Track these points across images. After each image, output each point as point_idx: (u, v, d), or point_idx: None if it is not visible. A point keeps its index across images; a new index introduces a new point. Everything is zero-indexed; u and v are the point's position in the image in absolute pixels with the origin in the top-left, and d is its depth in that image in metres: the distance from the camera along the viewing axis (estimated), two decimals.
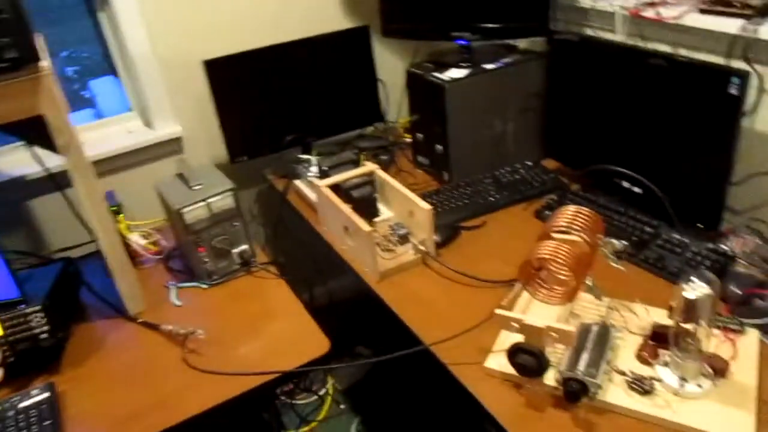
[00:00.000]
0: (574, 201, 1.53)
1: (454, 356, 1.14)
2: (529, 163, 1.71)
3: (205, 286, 1.45)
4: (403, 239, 1.43)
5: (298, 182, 1.77)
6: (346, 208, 1.40)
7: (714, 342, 1.07)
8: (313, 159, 1.68)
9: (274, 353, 1.23)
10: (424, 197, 1.61)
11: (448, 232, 1.49)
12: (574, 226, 1.08)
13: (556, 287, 1.06)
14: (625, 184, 1.49)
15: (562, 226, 1.09)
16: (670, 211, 1.23)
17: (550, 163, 1.74)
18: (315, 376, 2.16)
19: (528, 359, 0.99)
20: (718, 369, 1.01)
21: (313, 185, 1.54)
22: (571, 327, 0.97)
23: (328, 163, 1.57)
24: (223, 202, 1.39)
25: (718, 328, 1.10)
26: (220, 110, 1.71)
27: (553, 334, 0.98)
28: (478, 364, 1.11)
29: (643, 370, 1.04)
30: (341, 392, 2.09)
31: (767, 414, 0.96)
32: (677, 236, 1.34)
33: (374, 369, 2.10)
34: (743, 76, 1.18)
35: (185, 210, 1.36)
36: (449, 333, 1.17)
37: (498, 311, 1.02)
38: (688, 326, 0.95)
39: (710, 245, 1.30)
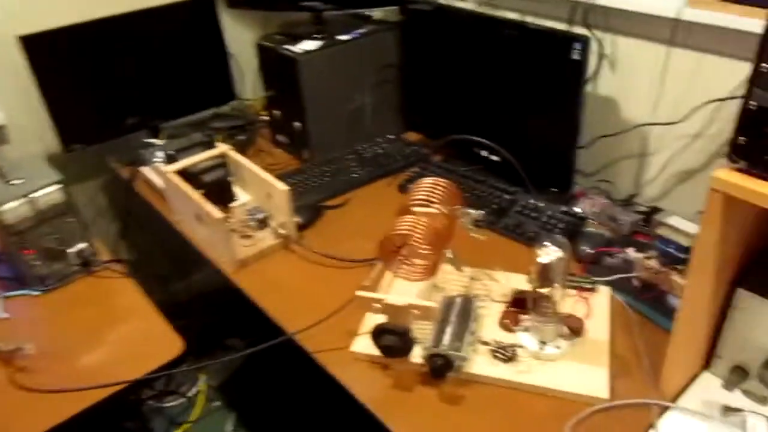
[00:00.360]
0: (435, 173, 1.52)
1: (319, 343, 1.08)
2: (391, 137, 1.68)
3: (36, 293, 1.27)
4: (262, 224, 1.35)
5: (145, 169, 1.61)
6: (196, 195, 1.28)
7: (570, 302, 1.10)
8: (159, 143, 1.53)
9: (121, 361, 1.11)
10: (283, 178, 1.53)
11: (310, 212, 1.42)
12: (432, 199, 1.06)
13: (417, 263, 1.03)
14: (484, 153, 1.50)
15: (421, 200, 1.06)
16: (523, 176, 1.25)
17: (411, 136, 1.72)
18: (185, 376, 2.02)
19: (392, 339, 0.95)
20: (574, 328, 1.03)
21: (160, 172, 1.40)
22: (433, 302, 0.94)
23: (174, 146, 1.44)
24: (50, 197, 1.22)
25: (573, 288, 1.13)
26: (45, 93, 1.51)
27: (416, 311, 0.95)
28: (345, 348, 1.06)
29: (507, 338, 1.04)
30: (215, 389, 1.98)
31: (619, 366, 0.99)
32: (533, 201, 1.37)
33: (248, 361, 2.01)
34: (584, 41, 1.21)
35: (3, 209, 1.18)
36: (315, 319, 1.11)
37: (359, 293, 0.98)
38: (544, 290, 0.96)
39: (563, 208, 1.34)
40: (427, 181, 1.09)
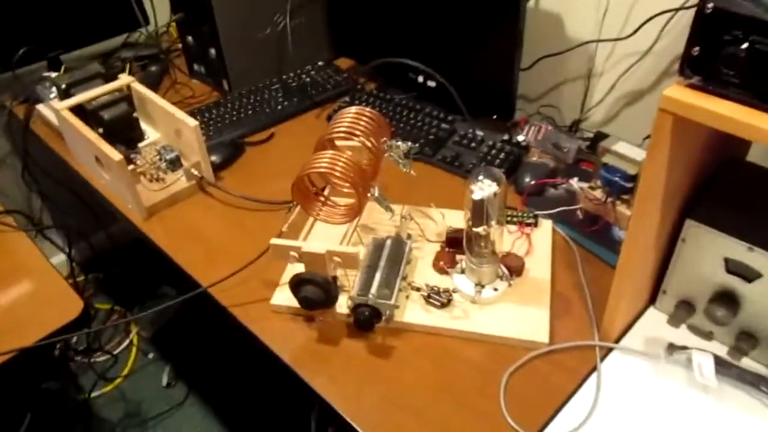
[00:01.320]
0: (368, 102, 1.39)
1: (236, 296, 0.98)
2: (320, 64, 1.53)
3: None
4: (174, 164, 1.20)
5: (41, 107, 1.42)
6: (92, 135, 1.13)
7: (510, 239, 1.02)
8: (52, 76, 1.34)
9: (10, 327, 0.98)
10: (199, 112, 1.38)
11: (229, 150, 1.28)
12: (356, 131, 0.93)
13: (338, 204, 0.92)
14: (420, 79, 1.37)
15: (342, 132, 0.93)
16: (458, 102, 1.13)
17: (343, 62, 1.58)
18: (116, 329, 1.91)
19: (312, 290, 0.85)
20: (514, 268, 0.95)
21: (54, 109, 1.23)
22: (355, 248, 0.84)
23: (67, 79, 1.26)
24: None
25: (513, 223, 1.05)
26: None
27: (337, 258, 0.84)
28: (265, 301, 0.96)
29: (442, 281, 0.96)
30: (148, 340, 1.87)
31: (560, 306, 0.93)
32: (472, 131, 1.26)
33: (182, 310, 1.90)
34: None
35: None
36: (233, 269, 1.00)
37: (273, 240, 0.86)
38: (479, 229, 0.86)
39: (505, 137, 1.24)
40: (351, 111, 0.97)
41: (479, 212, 0.85)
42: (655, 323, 0.90)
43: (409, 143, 0.95)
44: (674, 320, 0.90)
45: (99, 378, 1.74)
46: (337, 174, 0.85)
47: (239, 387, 1.72)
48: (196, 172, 1.17)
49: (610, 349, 0.87)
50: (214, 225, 1.13)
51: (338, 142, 0.97)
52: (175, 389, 1.74)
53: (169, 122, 1.21)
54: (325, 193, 0.96)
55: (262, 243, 0.96)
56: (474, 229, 0.87)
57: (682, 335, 0.88)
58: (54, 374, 1.65)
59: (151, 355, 1.83)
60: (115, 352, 1.82)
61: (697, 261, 0.84)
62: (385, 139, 0.96)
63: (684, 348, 0.85)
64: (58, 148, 1.35)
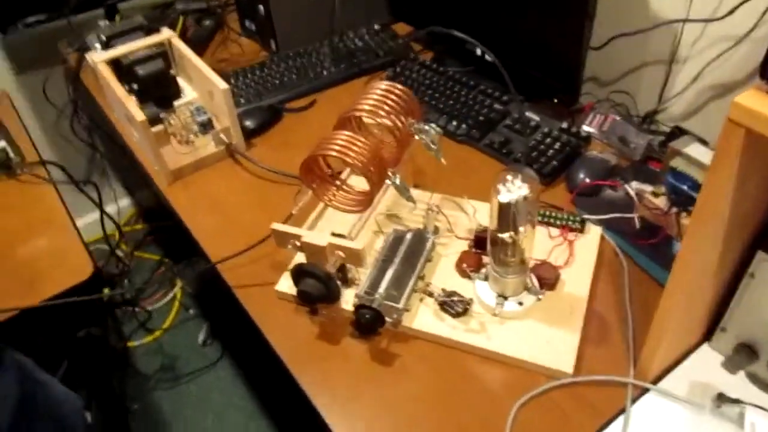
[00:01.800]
0: (418, 73, 1.27)
1: (243, 276, 0.92)
2: (376, 27, 1.42)
3: None
4: (206, 128, 1.15)
5: (88, 57, 1.40)
6: (121, 91, 1.09)
7: (550, 245, 0.90)
8: (102, 25, 1.31)
9: (20, 283, 0.97)
10: (243, 73, 1.32)
11: (265, 115, 1.21)
12: (381, 111, 0.83)
13: (353, 190, 0.83)
14: (479, 52, 1.24)
15: (365, 111, 0.84)
16: (507, 79, 0.97)
17: (401, 28, 1.46)
18: (161, 282, 1.93)
19: (311, 284, 0.78)
20: (546, 280, 0.83)
21: (93, 61, 1.20)
22: (359, 243, 0.75)
23: (109, 30, 1.22)
24: None
25: (557, 226, 0.92)
26: None
27: (340, 252, 0.76)
28: (272, 285, 0.90)
29: (463, 286, 0.85)
30: (191, 295, 1.88)
31: (595, 330, 0.80)
32: (529, 114, 1.13)
33: None
34: None
35: None
36: (246, 245, 0.94)
37: (274, 226, 0.79)
38: (505, 236, 0.75)
39: (564, 125, 1.09)
40: (380, 87, 0.86)
41: (505, 217, 0.73)
42: (706, 365, 0.77)
43: (439, 129, 0.84)
44: (731, 364, 0.76)
45: (140, 327, 1.77)
46: (349, 160, 0.76)
47: (270, 355, 1.70)
48: (225, 138, 1.12)
49: (646, 390, 0.74)
50: (237, 196, 1.07)
51: (366, 120, 0.87)
52: (210, 348, 1.74)
53: (203, 83, 1.15)
54: (343, 176, 0.87)
55: (281, 219, 0.89)
56: (499, 235, 0.76)
57: (737, 384, 0.75)
58: (98, 320, 1.69)
59: (191, 311, 1.84)
60: (158, 305, 1.85)
61: (767, 300, 0.69)
62: (413, 121, 0.85)
63: (737, 401, 0.71)
64: (102, 101, 1.33)
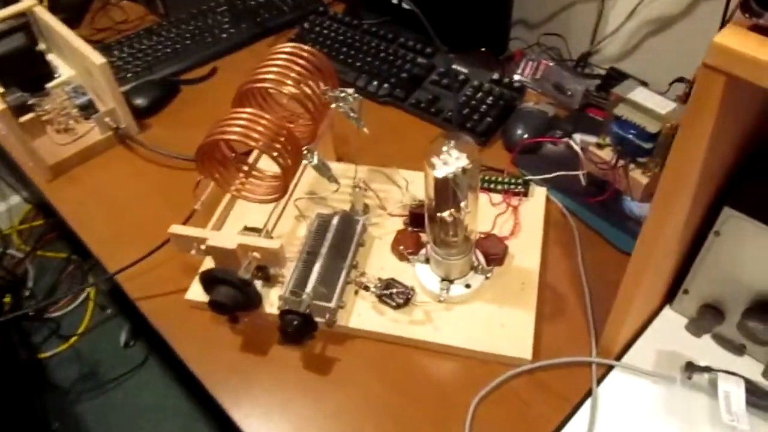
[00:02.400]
0: (331, 28, 1.14)
1: (148, 285, 0.79)
2: None
3: None
4: (87, 111, 0.98)
5: None
6: None
7: (493, 213, 0.81)
8: None
9: None
10: (128, 42, 1.15)
11: (159, 91, 1.05)
12: (288, 79, 0.70)
13: (266, 175, 0.71)
14: (395, 0, 1.11)
15: (270, 80, 0.70)
16: (428, 28, 0.86)
17: None
18: (72, 282, 1.74)
19: (226, 293, 0.66)
20: (493, 255, 0.75)
21: None
22: (276, 242, 0.63)
23: None
24: None
25: (499, 191, 0.83)
26: None
27: (255, 254, 0.64)
28: (183, 292, 0.77)
29: (403, 270, 0.76)
30: (107, 294, 1.71)
31: (550, 304, 0.73)
32: (456, 67, 1.02)
33: None
34: None
35: None
36: (149, 248, 0.80)
37: (173, 229, 0.66)
38: (444, 214, 0.65)
39: (495, 75, 1.00)
40: (284, 50, 0.73)
41: (443, 193, 0.63)
42: (669, 331, 0.70)
43: (358, 95, 0.72)
44: (695, 327, 0.70)
45: (51, 335, 1.60)
46: (254, 143, 0.63)
47: None
48: (111, 122, 0.95)
49: (611, 368, 0.68)
50: (133, 189, 0.92)
51: (271, 91, 0.74)
52: (134, 349, 1.59)
53: (78, 58, 0.97)
54: (251, 160, 0.75)
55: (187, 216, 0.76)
56: (438, 214, 0.66)
57: (704, 347, 0.69)
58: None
59: (109, 311, 1.67)
60: (70, 308, 1.67)
61: (734, 259, 0.63)
62: (327, 88, 0.73)
63: (707, 369, 0.65)
64: None
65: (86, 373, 1.55)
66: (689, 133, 0.46)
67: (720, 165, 0.56)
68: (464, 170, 0.61)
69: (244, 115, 0.65)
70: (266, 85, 0.69)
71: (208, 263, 0.74)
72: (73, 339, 1.61)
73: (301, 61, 0.71)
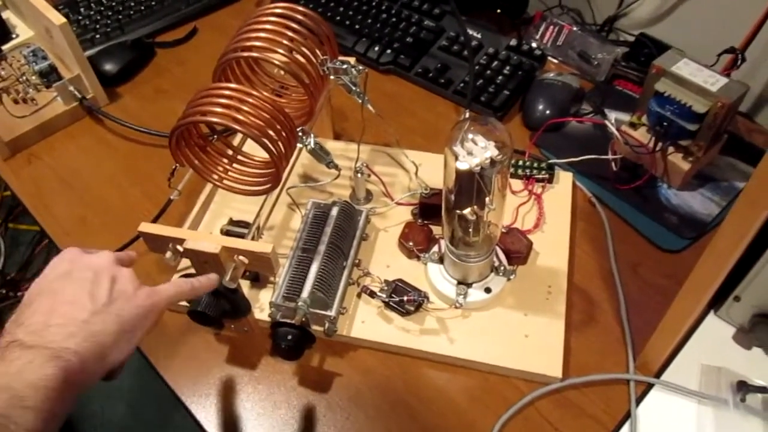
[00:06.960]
0: None
1: None
2: None
3: None
4: (48, 78, 0.86)
5: None
6: None
7: (514, 203, 0.71)
8: None
9: None
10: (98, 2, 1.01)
11: (131, 55, 0.93)
12: (280, 48, 0.59)
13: (255, 160, 0.60)
14: None
15: (258, 47, 0.59)
16: None
17: None
18: (46, 256, 1.63)
19: (208, 303, 0.55)
20: (516, 254, 0.65)
21: None
22: (268, 245, 0.53)
23: None
24: None
25: (520, 177, 0.74)
26: None
27: (242, 258, 0.54)
28: None
29: (412, 269, 0.66)
30: None
31: (580, 310, 0.64)
32: (469, 32, 0.90)
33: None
34: None
35: None
36: (117, 241, 0.70)
37: (143, 227, 0.55)
38: (465, 212, 0.55)
39: (512, 41, 0.88)
40: (273, 12, 0.61)
41: (466, 188, 0.53)
42: (713, 339, 0.62)
43: (363, 68, 0.61)
44: (745, 338, 0.62)
45: None
46: (239, 126, 0.53)
47: None
48: (76, 91, 0.83)
49: (650, 385, 0.59)
50: (101, 169, 0.81)
51: (259, 60, 0.63)
52: None
53: (37, 17, 0.85)
54: (236, 143, 0.64)
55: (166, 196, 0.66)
56: (458, 212, 0.56)
57: (754, 360, 0.61)
58: None
59: None
60: None
61: None
62: (326, 58, 0.62)
63: (763, 390, 0.57)
64: None
65: None
66: None
67: None
68: (493, 162, 0.51)
69: (226, 92, 0.53)
70: (253, 54, 0.58)
71: (186, 262, 0.63)
72: None
73: (293, 24, 0.60)
